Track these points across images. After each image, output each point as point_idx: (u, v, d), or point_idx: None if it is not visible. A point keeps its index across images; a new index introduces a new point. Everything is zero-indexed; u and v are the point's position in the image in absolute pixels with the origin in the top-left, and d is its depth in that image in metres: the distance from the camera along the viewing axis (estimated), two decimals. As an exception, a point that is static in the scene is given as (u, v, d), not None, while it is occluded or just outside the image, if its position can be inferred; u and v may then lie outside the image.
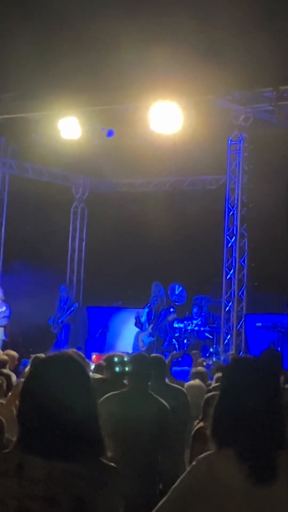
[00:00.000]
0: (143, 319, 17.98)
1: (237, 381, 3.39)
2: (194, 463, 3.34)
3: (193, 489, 3.27)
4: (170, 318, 17.74)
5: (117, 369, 6.92)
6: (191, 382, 8.79)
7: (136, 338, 18.18)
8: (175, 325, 18.33)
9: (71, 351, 3.44)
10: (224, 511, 3.23)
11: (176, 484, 3.33)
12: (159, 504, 3.31)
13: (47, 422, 3.03)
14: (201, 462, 3.31)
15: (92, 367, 10.02)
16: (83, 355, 7.94)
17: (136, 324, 18.14)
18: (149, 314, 17.93)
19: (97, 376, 8.12)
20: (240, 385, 3.36)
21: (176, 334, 18.30)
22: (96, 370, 9.13)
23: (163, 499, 3.32)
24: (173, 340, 18.18)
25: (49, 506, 2.98)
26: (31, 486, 3.00)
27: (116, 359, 6.91)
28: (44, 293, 19.13)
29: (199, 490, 3.26)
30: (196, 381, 8.86)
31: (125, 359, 7.02)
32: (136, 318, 18.10)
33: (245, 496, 3.21)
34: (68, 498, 2.98)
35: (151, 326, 17.78)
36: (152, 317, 17.85)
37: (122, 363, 7.03)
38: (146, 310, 18.07)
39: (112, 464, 3.11)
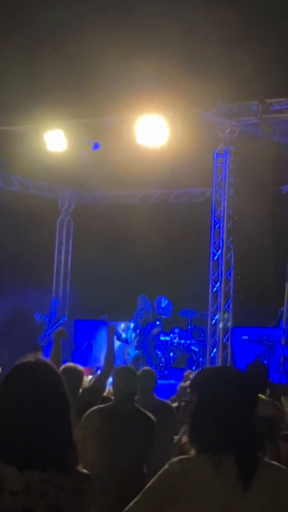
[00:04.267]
0: (129, 332, 17.93)
1: (212, 388, 3.36)
2: (166, 466, 3.30)
3: (164, 492, 3.24)
4: (155, 331, 17.71)
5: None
6: None
7: (122, 350, 18.13)
8: (161, 338, 18.30)
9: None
10: None
11: (147, 487, 3.29)
12: (129, 505, 3.26)
13: (20, 430, 2.97)
14: (173, 466, 3.28)
15: None
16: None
17: (118, 339, 18.09)
18: (135, 327, 17.88)
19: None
20: (215, 393, 3.34)
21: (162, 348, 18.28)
22: None
23: (134, 500, 3.26)
24: (158, 352, 18.14)
25: None
26: (10, 498, 2.96)
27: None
28: (29, 306, 19.07)
29: (171, 492, 3.23)
30: None
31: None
32: (116, 335, 18.03)
33: (220, 501, 3.20)
34: (44, 508, 2.96)
35: (137, 339, 17.74)
36: (138, 331, 17.81)
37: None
38: (132, 324, 18.01)
39: (86, 471, 3.09)
